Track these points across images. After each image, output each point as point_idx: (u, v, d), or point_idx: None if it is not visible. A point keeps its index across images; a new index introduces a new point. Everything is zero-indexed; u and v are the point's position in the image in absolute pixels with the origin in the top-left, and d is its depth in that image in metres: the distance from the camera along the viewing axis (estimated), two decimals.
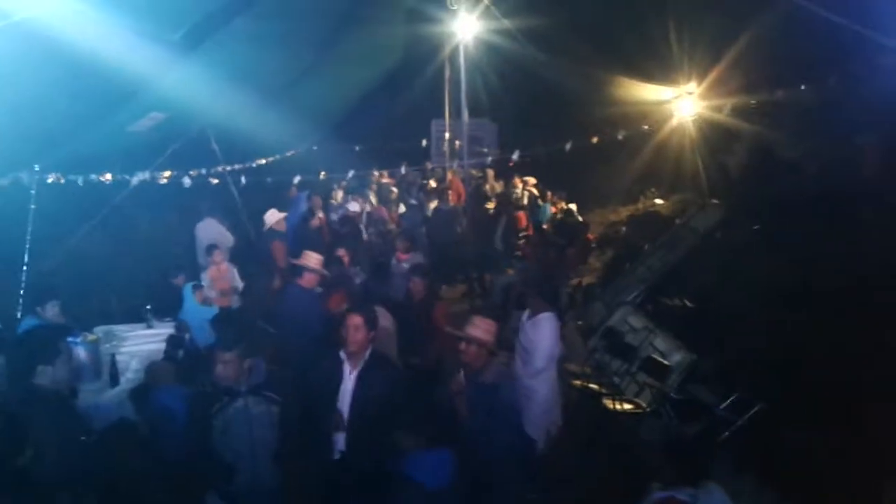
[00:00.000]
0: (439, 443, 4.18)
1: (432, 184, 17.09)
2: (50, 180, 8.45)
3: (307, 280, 7.60)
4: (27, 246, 8.27)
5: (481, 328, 5.26)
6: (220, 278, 9.78)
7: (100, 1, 5.68)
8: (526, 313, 6.70)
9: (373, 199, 14.93)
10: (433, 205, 14.46)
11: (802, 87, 10.24)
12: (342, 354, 5.15)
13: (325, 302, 8.15)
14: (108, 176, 9.16)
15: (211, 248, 10.00)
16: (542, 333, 6.43)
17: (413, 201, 15.13)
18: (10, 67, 5.81)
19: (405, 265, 9.50)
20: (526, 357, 6.46)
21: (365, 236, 12.44)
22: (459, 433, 4.45)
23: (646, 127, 13.32)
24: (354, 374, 5.06)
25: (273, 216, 10.66)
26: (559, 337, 6.57)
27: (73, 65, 6.26)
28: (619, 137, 12.75)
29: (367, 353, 5.14)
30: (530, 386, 6.25)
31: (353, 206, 13.74)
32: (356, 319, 5.07)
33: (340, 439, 5.02)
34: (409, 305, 7.91)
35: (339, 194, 14.43)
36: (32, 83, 6.34)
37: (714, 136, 12.71)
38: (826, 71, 9.97)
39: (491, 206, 15.80)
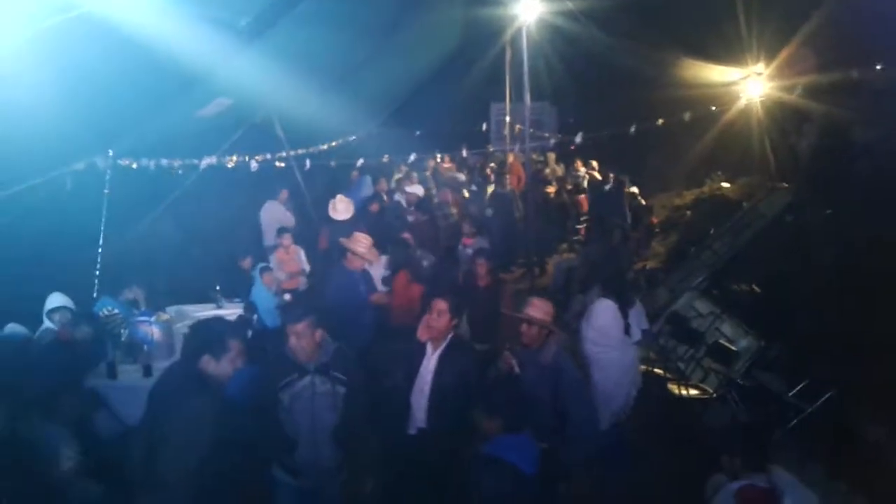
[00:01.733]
0: (519, 427, 4.18)
1: (490, 168, 17.09)
2: (123, 164, 8.69)
3: (352, 262, 7.59)
4: (102, 228, 8.53)
5: (539, 308, 5.26)
6: (289, 260, 9.95)
7: None
8: (591, 299, 6.72)
9: (430, 183, 14.94)
10: (490, 189, 14.45)
11: (878, 68, 9.90)
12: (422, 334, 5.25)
13: (391, 282, 8.25)
14: (178, 161, 9.38)
15: (281, 231, 10.17)
16: (592, 318, 6.55)
17: (473, 186, 15.10)
18: (81, 57, 5.99)
19: (470, 251, 9.51)
20: (595, 337, 6.52)
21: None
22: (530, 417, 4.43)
23: (712, 108, 13.05)
24: (437, 353, 5.14)
25: (343, 205, 10.71)
26: (616, 324, 6.54)
27: (142, 53, 6.39)
28: (685, 119, 12.50)
29: (450, 336, 5.21)
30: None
31: (418, 190, 13.81)
32: (441, 304, 5.13)
33: (420, 418, 5.10)
34: (475, 289, 7.91)
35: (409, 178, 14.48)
36: (103, 72, 6.50)
37: (783, 118, 12.38)
38: None
39: (551, 190, 15.73)
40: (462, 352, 5.25)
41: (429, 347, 5.18)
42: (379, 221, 11.36)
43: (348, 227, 9.98)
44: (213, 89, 9.07)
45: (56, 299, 6.79)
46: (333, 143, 14.68)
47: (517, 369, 5.19)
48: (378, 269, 8.79)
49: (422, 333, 5.21)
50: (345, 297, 7.39)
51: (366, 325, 7.47)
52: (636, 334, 6.91)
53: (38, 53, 5.41)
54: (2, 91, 5.65)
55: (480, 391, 4.51)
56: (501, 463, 3.97)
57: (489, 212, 12.94)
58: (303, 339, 4.71)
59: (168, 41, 6.53)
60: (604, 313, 6.53)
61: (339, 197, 10.82)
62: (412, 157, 14.33)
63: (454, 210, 12.51)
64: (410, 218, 11.62)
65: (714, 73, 13.06)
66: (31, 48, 5.30)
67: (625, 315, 6.67)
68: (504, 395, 4.31)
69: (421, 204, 12.05)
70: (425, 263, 8.18)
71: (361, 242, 7.65)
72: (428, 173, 15.56)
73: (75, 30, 5.41)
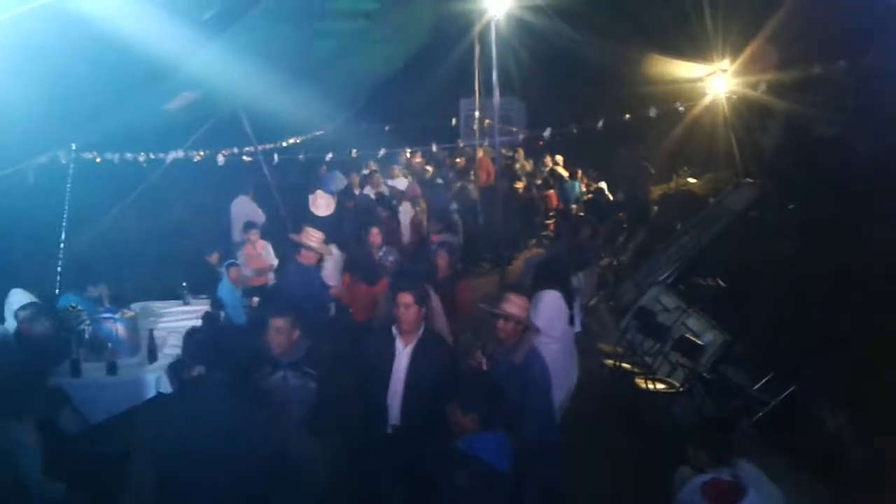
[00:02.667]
0: (494, 423, 4.19)
1: (459, 163, 17.12)
2: (86, 158, 8.57)
3: (305, 257, 7.62)
4: (64, 223, 8.41)
5: (516, 304, 5.28)
6: (256, 256, 9.88)
7: None
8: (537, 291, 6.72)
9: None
10: (458, 185, 14.47)
11: (840, 63, 10.03)
12: (394, 331, 5.20)
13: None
14: (143, 155, 9.27)
15: (248, 226, 10.10)
16: (538, 308, 6.41)
17: (439, 180, 15.08)
18: (46, 48, 5.87)
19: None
20: (541, 328, 6.48)
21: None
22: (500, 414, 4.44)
23: (678, 104, 13.16)
24: (408, 349, 5.12)
25: (323, 200, 10.66)
26: (559, 316, 6.55)
27: (107, 45, 6.27)
28: (651, 115, 12.59)
29: (421, 330, 5.20)
30: None
31: (400, 184, 13.81)
32: (406, 297, 5.11)
33: (394, 415, 5.06)
34: (434, 281, 7.92)
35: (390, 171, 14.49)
36: (67, 63, 6.38)
37: (748, 114, 12.52)
38: (864, 46, 9.76)
39: (520, 185, 15.78)
40: (435, 346, 5.23)
41: (399, 343, 5.15)
42: (350, 216, 11.35)
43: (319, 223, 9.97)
44: (180, 83, 8.95)
45: (20, 297, 6.66)
46: (302, 138, 14.61)
47: (485, 366, 5.21)
48: (333, 263, 8.87)
49: (401, 337, 5.17)
50: (300, 292, 7.37)
51: (323, 318, 7.49)
52: (577, 325, 6.93)
53: (1, 43, 5.30)
54: None
55: (455, 386, 4.51)
56: (476, 459, 3.98)
57: (454, 206, 12.97)
58: (281, 334, 4.83)
59: (133, 33, 6.41)
60: (549, 303, 6.52)
61: (319, 192, 10.78)
62: (382, 152, 14.29)
63: (422, 205, 12.51)
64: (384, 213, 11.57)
65: (680, 69, 13.14)
66: None
67: (569, 306, 6.70)
68: (480, 392, 4.32)
69: (383, 199, 12.00)
70: (391, 259, 8.16)
71: (313, 237, 7.67)
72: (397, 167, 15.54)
73: (38, 20, 5.29)
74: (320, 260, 7.95)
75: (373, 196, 12.74)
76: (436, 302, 6.69)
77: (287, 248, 9.91)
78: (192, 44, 7.76)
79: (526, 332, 5.25)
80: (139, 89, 8.24)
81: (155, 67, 7.69)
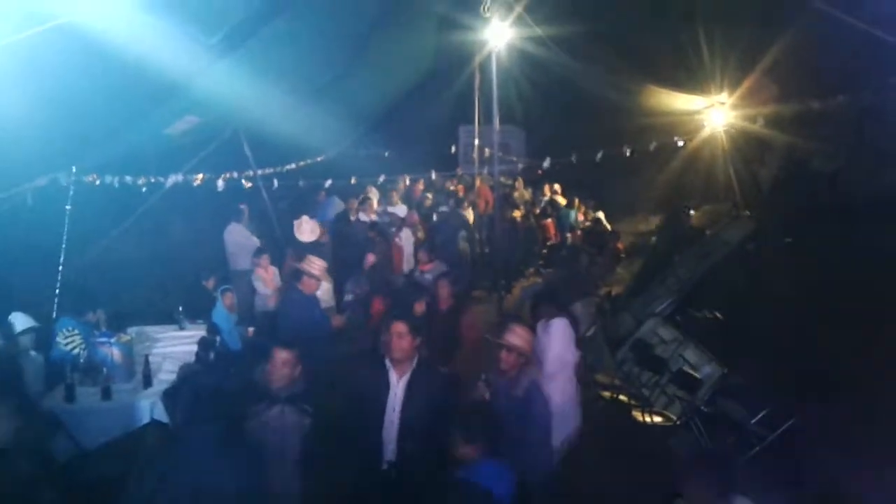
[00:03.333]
0: (495, 453, 4.19)
1: (459, 190, 17.15)
2: (86, 181, 8.58)
3: (306, 285, 7.61)
4: (63, 246, 8.39)
5: (519, 336, 5.26)
6: (270, 279, 9.88)
7: (138, 4, 5.73)
8: (542, 321, 6.70)
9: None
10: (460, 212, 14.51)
11: (838, 98, 10.11)
12: (387, 362, 5.09)
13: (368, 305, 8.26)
14: (143, 179, 9.28)
15: (259, 252, 10.09)
16: (553, 338, 6.46)
17: (444, 208, 15.09)
18: (49, 70, 5.90)
19: (428, 276, 9.52)
20: (554, 356, 6.45)
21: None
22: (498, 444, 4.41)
23: (676, 137, 13.24)
24: (403, 381, 5.00)
25: (308, 226, 10.69)
26: (571, 342, 6.55)
27: (112, 68, 6.32)
28: (650, 147, 12.67)
29: (415, 360, 5.08)
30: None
31: (400, 211, 13.85)
32: (400, 327, 5.00)
33: (390, 448, 4.96)
34: (436, 312, 7.90)
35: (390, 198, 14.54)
36: (71, 85, 6.42)
37: (746, 147, 12.60)
38: (862, 82, 9.84)
39: (518, 214, 15.80)
40: (430, 377, 5.10)
41: (393, 375, 5.03)
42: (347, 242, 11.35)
43: (313, 248, 9.98)
44: (183, 107, 9.00)
45: (22, 320, 6.63)
46: (302, 163, 14.65)
47: (487, 397, 5.18)
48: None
49: (395, 368, 5.07)
50: (302, 320, 7.37)
51: (323, 348, 7.44)
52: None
53: (5, 66, 5.33)
54: None
55: (454, 416, 4.47)
56: (477, 486, 3.96)
57: (462, 234, 13.01)
58: (286, 366, 4.73)
59: (139, 57, 6.46)
60: (561, 331, 6.52)
61: (304, 218, 10.79)
62: (381, 178, 14.34)
63: (420, 234, 12.56)
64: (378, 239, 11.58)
65: (679, 102, 13.23)
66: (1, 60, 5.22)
67: (576, 331, 6.72)
68: (481, 423, 4.30)
69: (375, 226, 12.03)
70: (356, 292, 8.26)
71: (316, 265, 7.67)
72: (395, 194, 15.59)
73: (45, 43, 5.33)
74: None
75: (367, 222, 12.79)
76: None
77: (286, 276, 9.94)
78: (196, 68, 7.81)
79: (528, 364, 5.23)
80: (143, 113, 8.29)
81: (160, 91, 7.74)
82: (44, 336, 6.86)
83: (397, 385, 5.01)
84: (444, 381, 5.35)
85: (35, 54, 5.42)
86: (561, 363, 6.38)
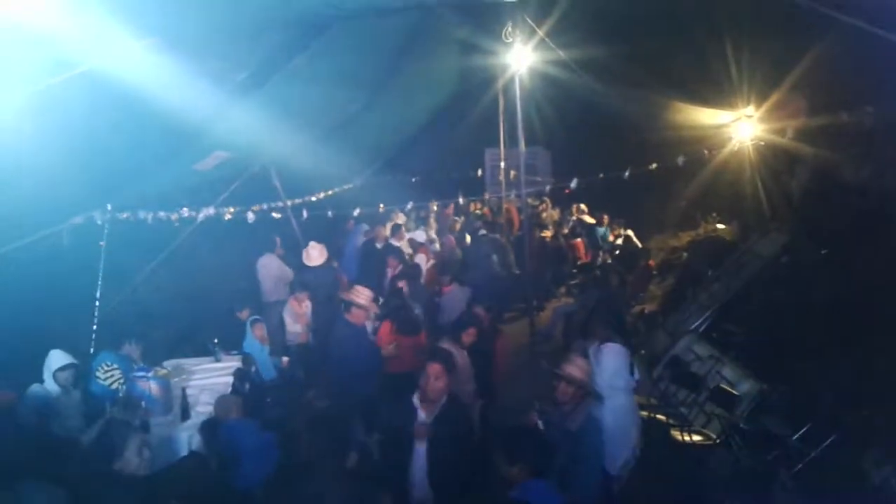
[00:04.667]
0: (542, 473, 4.19)
1: (486, 213, 17.20)
2: (121, 218, 8.72)
3: (356, 316, 7.57)
4: (99, 282, 8.52)
5: (579, 367, 5.25)
6: (302, 314, 9.93)
7: (163, 46, 5.85)
8: (595, 343, 6.66)
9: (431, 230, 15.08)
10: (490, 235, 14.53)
11: (867, 110, 10.00)
12: (415, 401, 5.06)
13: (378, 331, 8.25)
14: (175, 214, 9.43)
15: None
16: (603, 362, 6.43)
17: (483, 231, 15.08)
18: (81, 113, 6.03)
19: (448, 298, 9.53)
20: (606, 382, 6.39)
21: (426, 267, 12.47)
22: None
23: (704, 151, 13.16)
24: (430, 419, 4.95)
25: (316, 252, 10.82)
26: (625, 366, 6.50)
27: (141, 109, 6.45)
28: (678, 162, 12.61)
29: (444, 398, 5.04)
30: (594, 415, 6.16)
31: (419, 237, 13.92)
32: (436, 368, 4.98)
33: (420, 488, 4.90)
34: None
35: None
36: (102, 128, 6.56)
37: (775, 160, 12.48)
38: (891, 92, 9.73)
39: (548, 234, 15.80)
40: (455, 413, 5.03)
41: (421, 413, 5.01)
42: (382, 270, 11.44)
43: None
44: (212, 142, 9.15)
45: (60, 358, 6.72)
46: (330, 192, 14.78)
47: (541, 426, 5.13)
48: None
49: (423, 406, 5.03)
50: (353, 353, 7.37)
51: (373, 377, 7.45)
52: (636, 375, 6.87)
53: (39, 110, 5.46)
54: (1, 149, 5.69)
55: (497, 438, 4.43)
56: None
57: (494, 258, 13.03)
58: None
59: (167, 97, 6.59)
60: (614, 357, 6.48)
61: (312, 244, 10.93)
62: (409, 205, 14.41)
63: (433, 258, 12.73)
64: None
65: (705, 116, 13.17)
66: (32, 105, 5.35)
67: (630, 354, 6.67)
68: (527, 442, 4.30)
69: (392, 251, 12.10)
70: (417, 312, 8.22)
71: (363, 294, 7.63)
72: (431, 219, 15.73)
73: (76, 87, 5.46)
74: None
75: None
76: (462, 358, 6.64)
77: (331, 307, 9.96)
78: (224, 104, 7.95)
79: (586, 396, 5.19)
80: (172, 152, 8.43)
81: (188, 130, 7.88)
82: (82, 372, 6.94)
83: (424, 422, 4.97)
84: (466, 416, 5.31)
85: (65, 99, 5.56)
86: (613, 388, 6.31)
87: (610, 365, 6.44)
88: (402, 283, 9.59)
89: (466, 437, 4.89)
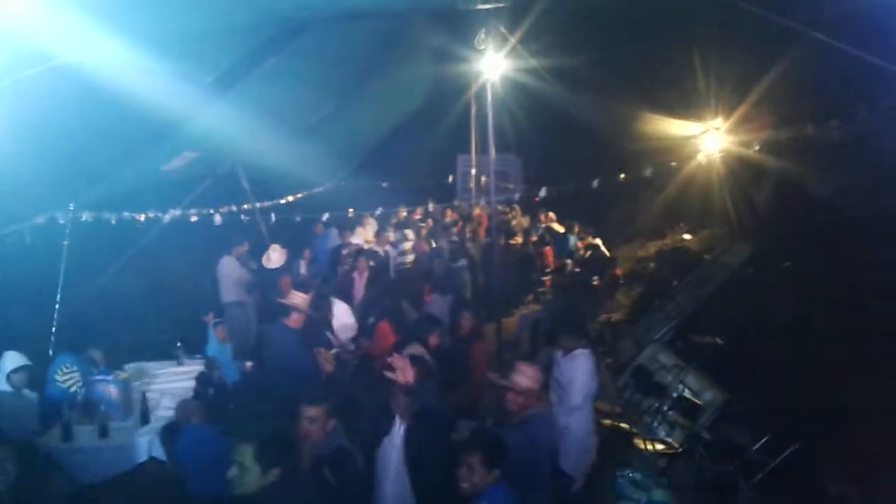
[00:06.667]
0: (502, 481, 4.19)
1: (457, 219, 17.20)
2: (84, 219, 8.60)
3: (294, 320, 7.47)
4: (60, 282, 8.40)
5: (529, 376, 5.20)
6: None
7: (135, 44, 5.78)
8: (560, 351, 6.65)
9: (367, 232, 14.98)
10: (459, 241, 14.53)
11: (832, 123, 10.16)
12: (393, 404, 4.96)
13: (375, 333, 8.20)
14: (141, 215, 9.32)
15: (249, 287, 10.14)
16: (578, 370, 6.37)
17: (455, 238, 15.06)
18: (48, 109, 5.95)
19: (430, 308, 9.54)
20: (561, 394, 6.40)
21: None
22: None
23: (672, 162, 13.28)
24: (402, 429, 4.85)
25: (276, 255, 10.79)
26: (595, 373, 6.51)
27: (109, 107, 6.38)
28: (647, 173, 12.71)
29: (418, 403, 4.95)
30: (566, 423, 6.18)
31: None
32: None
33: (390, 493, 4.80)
34: (456, 344, 7.89)
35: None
36: (69, 125, 6.47)
37: (742, 172, 12.63)
38: (856, 107, 9.89)
39: (517, 241, 15.82)
40: (429, 420, 4.89)
41: (397, 421, 4.89)
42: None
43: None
44: (180, 143, 9.06)
45: (15, 359, 6.60)
46: (299, 195, 14.70)
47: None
48: (344, 317, 8.82)
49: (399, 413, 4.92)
50: (288, 356, 7.25)
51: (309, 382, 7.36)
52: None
53: (4, 106, 5.37)
54: None
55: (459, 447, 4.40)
56: None
57: (462, 262, 13.03)
58: (315, 424, 4.52)
59: (136, 96, 6.52)
60: (584, 363, 6.43)
61: (273, 246, 10.90)
62: (378, 211, 14.38)
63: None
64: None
65: (674, 127, 13.29)
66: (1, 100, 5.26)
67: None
68: (485, 448, 4.28)
69: (364, 253, 12.08)
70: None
71: (299, 298, 7.60)
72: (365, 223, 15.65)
73: (40, 84, 5.38)
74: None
75: (382, 254, 12.89)
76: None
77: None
78: (193, 105, 7.87)
79: (536, 403, 5.17)
80: (140, 151, 8.33)
81: (157, 129, 7.80)
82: (39, 374, 6.83)
83: (398, 431, 4.87)
84: (444, 422, 5.17)
85: (32, 95, 5.47)
86: (586, 396, 6.30)
87: (582, 372, 6.37)
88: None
89: (442, 443, 4.76)
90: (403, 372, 4.68)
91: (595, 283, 13.42)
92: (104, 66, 5.82)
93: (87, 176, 8.02)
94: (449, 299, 9.96)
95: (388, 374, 4.70)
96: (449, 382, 7.12)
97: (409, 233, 14.72)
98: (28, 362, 6.65)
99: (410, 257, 13.54)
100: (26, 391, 6.69)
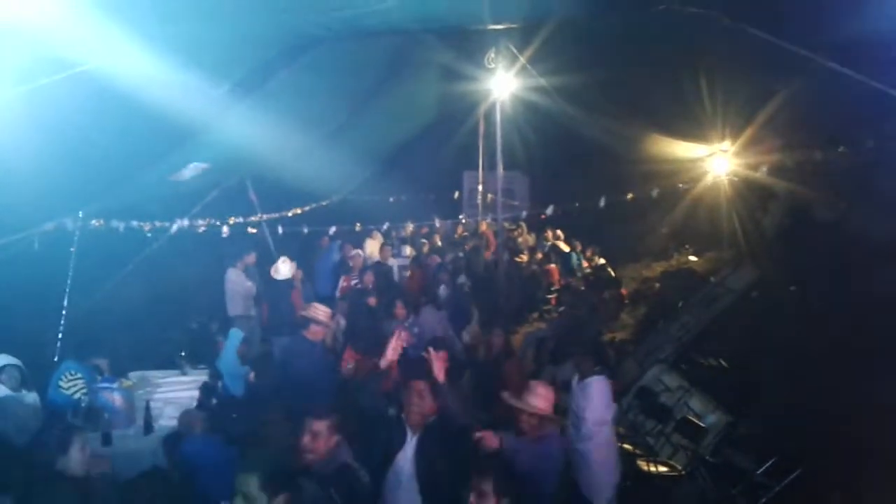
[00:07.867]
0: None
1: (462, 236, 17.23)
2: (92, 226, 8.63)
3: (313, 332, 7.47)
4: (67, 289, 8.42)
5: (543, 397, 5.18)
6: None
7: (149, 54, 5.81)
8: (576, 377, 6.61)
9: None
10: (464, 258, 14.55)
11: (840, 149, 10.17)
12: (405, 417, 4.97)
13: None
14: (148, 224, 9.35)
15: (256, 299, 10.16)
16: (592, 397, 6.30)
17: (461, 253, 15.09)
18: (61, 117, 5.98)
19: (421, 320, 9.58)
20: (576, 421, 6.34)
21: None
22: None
23: (679, 184, 13.31)
24: (413, 440, 4.84)
25: (285, 266, 10.81)
26: (610, 400, 6.45)
27: (122, 116, 6.41)
28: (653, 194, 12.74)
29: (432, 418, 4.95)
30: (582, 450, 6.14)
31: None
32: (421, 385, 4.93)
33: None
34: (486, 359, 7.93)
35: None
36: (81, 132, 6.49)
37: (749, 195, 12.64)
38: (864, 132, 9.91)
39: (522, 259, 15.84)
40: (442, 434, 4.87)
41: (408, 429, 4.89)
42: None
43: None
44: (190, 154, 9.10)
45: (0, 359, 6.62)
46: (306, 208, 14.75)
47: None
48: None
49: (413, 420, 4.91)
50: (307, 370, 7.24)
51: (329, 395, 7.36)
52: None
53: (20, 112, 5.40)
54: None
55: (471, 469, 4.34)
56: None
57: (461, 280, 13.02)
58: (319, 440, 4.46)
59: (149, 106, 6.52)
60: (601, 390, 6.37)
61: (283, 258, 10.91)
62: (385, 225, 14.43)
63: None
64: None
65: (681, 149, 13.32)
66: (16, 107, 5.28)
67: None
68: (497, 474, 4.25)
69: (378, 267, 12.13)
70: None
71: (321, 311, 7.57)
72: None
73: (56, 91, 5.41)
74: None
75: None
76: None
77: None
78: (206, 116, 7.91)
79: (550, 423, 5.15)
80: (152, 160, 8.36)
81: (170, 139, 7.82)
82: (40, 377, 6.84)
83: (409, 443, 4.84)
84: (457, 435, 5.10)
85: (47, 101, 5.50)
86: (599, 422, 6.24)
87: (600, 399, 6.31)
88: (371, 300, 9.63)
89: (454, 456, 4.70)
90: (438, 369, 4.67)
91: (600, 302, 13.40)
92: (120, 75, 5.85)
93: (98, 184, 8.04)
94: (443, 314, 9.98)
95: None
96: (484, 401, 7.13)
97: (408, 248, 14.77)
98: (15, 361, 6.66)
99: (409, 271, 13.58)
100: (28, 396, 6.69)
